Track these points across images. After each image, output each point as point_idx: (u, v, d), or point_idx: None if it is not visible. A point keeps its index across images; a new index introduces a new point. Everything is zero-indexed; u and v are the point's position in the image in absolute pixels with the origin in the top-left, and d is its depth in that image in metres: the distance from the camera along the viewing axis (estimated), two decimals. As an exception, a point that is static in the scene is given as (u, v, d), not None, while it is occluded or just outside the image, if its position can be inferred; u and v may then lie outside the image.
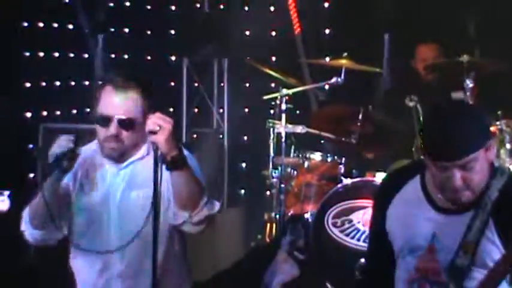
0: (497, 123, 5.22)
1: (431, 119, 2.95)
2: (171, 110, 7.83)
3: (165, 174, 3.33)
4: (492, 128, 4.94)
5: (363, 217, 5.44)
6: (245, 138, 8.21)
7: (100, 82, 3.58)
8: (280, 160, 6.01)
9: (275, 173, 6.04)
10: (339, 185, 5.64)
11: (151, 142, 3.31)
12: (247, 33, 8.25)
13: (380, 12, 7.62)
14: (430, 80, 6.53)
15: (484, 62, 5.87)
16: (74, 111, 7.59)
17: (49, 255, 3.70)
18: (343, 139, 6.02)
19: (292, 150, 6.10)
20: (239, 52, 7.96)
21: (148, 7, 8.13)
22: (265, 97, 6.37)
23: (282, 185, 5.95)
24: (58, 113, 7.51)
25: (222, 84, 8.23)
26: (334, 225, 5.47)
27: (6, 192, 3.66)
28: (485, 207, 2.90)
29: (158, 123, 3.26)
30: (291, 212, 5.93)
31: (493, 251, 2.91)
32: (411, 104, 5.80)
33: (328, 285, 5.39)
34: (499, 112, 5.29)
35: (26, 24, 7.51)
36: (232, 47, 8.15)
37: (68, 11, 7.69)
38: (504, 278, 2.84)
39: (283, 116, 6.04)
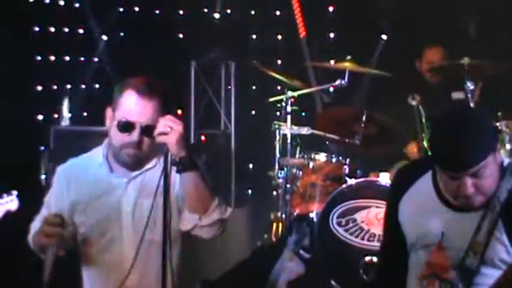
0: (497, 124, 5.21)
1: (440, 130, 2.89)
2: (180, 112, 7.85)
3: (178, 181, 3.31)
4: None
5: (366, 216, 5.43)
6: (252, 139, 8.22)
7: (119, 85, 3.45)
8: (285, 161, 6.02)
9: (281, 173, 6.04)
10: (343, 185, 5.63)
11: (161, 143, 3.27)
12: (254, 37, 8.27)
13: (382, 16, 7.63)
14: (434, 82, 6.54)
15: (484, 64, 5.87)
16: (85, 114, 7.62)
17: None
18: (347, 140, 6.02)
19: (297, 151, 6.10)
20: (246, 55, 7.97)
21: (157, 11, 8.15)
22: (271, 99, 6.38)
23: (288, 186, 5.95)
24: (69, 115, 7.53)
25: (229, 87, 8.24)
26: (339, 224, 5.47)
27: (15, 192, 3.62)
28: (494, 209, 2.89)
29: (169, 125, 3.23)
30: (297, 211, 5.92)
31: (501, 250, 2.90)
32: (414, 102, 5.80)
33: (333, 283, 5.38)
34: (499, 113, 5.28)
35: (37, 29, 7.55)
36: (239, 50, 8.16)
37: (78, 16, 7.72)
38: None
39: (289, 117, 6.04)
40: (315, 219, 5.64)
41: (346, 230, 5.44)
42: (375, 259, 5.32)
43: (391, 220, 3.13)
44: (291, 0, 7.98)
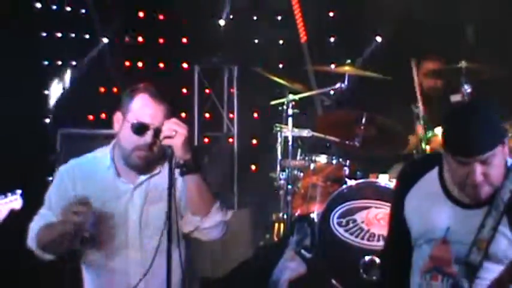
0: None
1: (453, 118, 2.95)
2: (183, 115, 7.86)
3: (180, 183, 3.31)
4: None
5: (366, 217, 5.42)
6: (254, 141, 8.22)
7: (129, 90, 3.47)
8: (287, 162, 6.01)
9: (282, 175, 6.04)
10: (344, 186, 5.63)
11: (166, 146, 3.27)
12: (256, 41, 8.27)
13: (382, 21, 7.63)
14: (431, 92, 6.55)
15: (482, 68, 5.86)
16: (91, 117, 7.63)
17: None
18: (347, 142, 6.02)
19: (298, 153, 6.10)
20: (248, 60, 7.98)
21: (162, 17, 8.16)
22: (273, 102, 6.38)
23: (289, 187, 5.95)
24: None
25: (232, 91, 8.24)
26: (339, 224, 5.46)
27: (19, 191, 3.62)
28: (497, 207, 2.91)
29: (174, 128, 3.24)
30: (298, 212, 5.92)
31: (505, 245, 2.92)
32: (416, 110, 5.84)
33: (334, 282, 5.38)
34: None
35: (44, 34, 7.57)
36: (241, 55, 8.17)
37: (84, 22, 7.74)
38: None
39: (290, 120, 6.05)
40: (315, 220, 5.63)
41: (347, 230, 5.44)
42: (374, 259, 5.32)
43: (397, 215, 3.14)
44: (292, 6, 7.98)
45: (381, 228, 5.35)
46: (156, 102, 3.35)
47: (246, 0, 7.97)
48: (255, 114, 8.21)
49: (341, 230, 5.45)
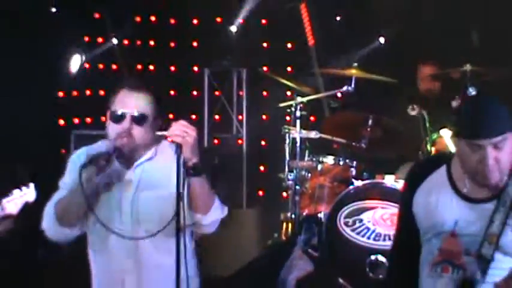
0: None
1: (467, 106, 3.07)
2: (194, 117, 7.87)
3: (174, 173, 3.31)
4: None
5: (372, 217, 5.42)
6: (262, 143, 8.22)
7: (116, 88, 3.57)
8: (295, 163, 6.01)
9: (290, 175, 6.04)
10: (350, 187, 5.63)
11: (175, 147, 3.27)
12: (265, 45, 8.27)
13: (387, 24, 7.64)
14: (429, 94, 6.56)
15: (486, 71, 5.85)
16: (103, 119, 7.64)
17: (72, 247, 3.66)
18: (354, 143, 6.02)
19: (306, 154, 6.10)
20: (257, 63, 7.98)
21: (172, 21, 8.17)
22: (281, 105, 6.38)
23: (297, 187, 5.95)
24: (88, 120, 7.57)
25: (241, 93, 8.24)
26: (346, 224, 5.46)
27: (32, 185, 3.65)
28: (505, 203, 2.97)
29: (183, 130, 3.24)
30: (306, 212, 5.92)
31: None
32: (413, 113, 5.84)
33: (340, 280, 5.37)
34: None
35: (59, 37, 7.58)
36: (250, 58, 8.17)
37: (98, 26, 7.76)
38: None
39: (298, 122, 6.04)
40: (323, 219, 5.63)
41: (353, 230, 5.43)
42: (380, 258, 5.32)
43: (405, 213, 3.18)
44: (300, 10, 7.99)
45: (387, 228, 5.35)
46: (133, 91, 3.44)
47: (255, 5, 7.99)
48: (264, 116, 8.22)
49: (348, 229, 5.44)
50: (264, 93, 8.20)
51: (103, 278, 3.54)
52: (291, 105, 6.16)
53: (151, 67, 8.11)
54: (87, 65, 7.73)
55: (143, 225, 3.42)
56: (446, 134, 5.59)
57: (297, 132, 6.00)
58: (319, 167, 5.97)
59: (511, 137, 2.95)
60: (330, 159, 5.98)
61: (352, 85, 6.08)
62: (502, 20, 6.95)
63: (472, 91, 5.61)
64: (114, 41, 7.81)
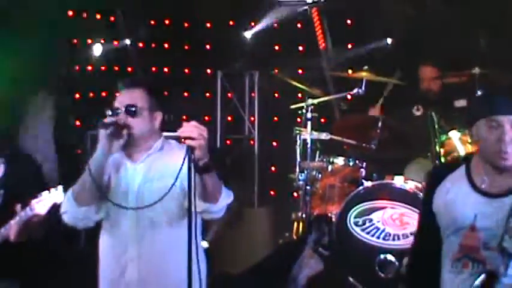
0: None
1: (484, 90, 3.36)
2: (206, 118, 7.89)
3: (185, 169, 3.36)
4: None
5: (382, 217, 5.42)
6: (274, 144, 8.22)
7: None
8: (306, 164, 6.01)
9: (301, 176, 6.04)
10: (360, 187, 5.62)
11: (186, 148, 3.29)
12: (276, 48, 8.27)
13: (395, 30, 7.63)
14: (429, 95, 6.58)
15: (494, 74, 5.84)
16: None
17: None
18: (363, 145, 6.01)
19: (317, 155, 6.10)
20: (269, 65, 7.99)
21: (186, 25, 8.19)
22: (293, 106, 6.38)
23: (308, 187, 5.95)
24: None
25: (253, 95, 8.25)
26: (356, 224, 5.46)
27: (60, 187, 3.74)
28: None
29: (194, 130, 3.26)
30: (316, 212, 5.92)
31: None
32: (418, 113, 5.84)
33: (350, 279, 5.37)
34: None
35: (75, 41, 7.62)
36: (262, 61, 8.18)
37: (113, 29, 7.79)
38: None
39: (309, 123, 6.04)
40: (333, 219, 5.63)
41: (363, 230, 5.43)
42: (389, 257, 5.31)
43: (426, 211, 3.23)
44: (311, 14, 7.99)
45: (396, 228, 5.35)
46: (126, 89, 3.66)
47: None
48: (275, 118, 8.22)
49: (357, 229, 5.44)
50: (276, 95, 8.21)
51: (108, 263, 3.62)
52: (302, 107, 6.16)
53: (165, 69, 8.14)
54: (103, 67, 7.77)
55: (147, 215, 3.52)
56: (455, 136, 5.58)
57: (307, 134, 6.00)
58: (330, 167, 5.97)
59: None
60: (340, 160, 5.98)
61: (363, 87, 6.08)
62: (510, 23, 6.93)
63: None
64: (127, 41, 7.84)
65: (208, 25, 8.22)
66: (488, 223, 3.02)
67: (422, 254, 3.28)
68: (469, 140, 5.45)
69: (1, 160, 4.40)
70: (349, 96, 6.67)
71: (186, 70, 8.21)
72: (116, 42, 7.88)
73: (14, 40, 6.38)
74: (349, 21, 8.00)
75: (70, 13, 7.48)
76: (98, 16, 7.74)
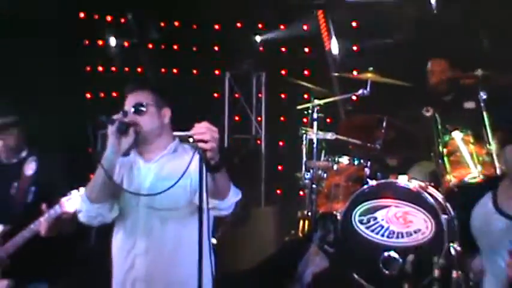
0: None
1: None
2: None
3: (193, 166, 3.40)
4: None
5: (386, 215, 5.42)
6: (280, 143, 8.24)
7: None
8: (312, 163, 6.03)
9: (307, 175, 6.06)
10: (365, 186, 5.62)
11: (198, 147, 3.32)
12: (283, 49, 8.30)
13: (400, 31, 7.63)
14: (441, 91, 6.54)
15: (497, 75, 5.83)
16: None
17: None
18: (368, 145, 6.03)
19: (322, 155, 6.12)
20: (275, 66, 8.01)
21: (195, 26, 8.22)
22: (299, 107, 6.40)
23: (314, 186, 5.97)
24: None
25: (260, 95, 8.28)
26: (361, 222, 5.47)
27: (82, 189, 3.79)
28: None
29: (206, 133, 3.28)
30: (322, 210, 5.93)
31: None
32: (428, 114, 5.81)
33: (355, 276, 5.39)
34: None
35: (87, 42, 7.66)
36: (269, 62, 8.20)
37: (124, 30, 7.82)
38: None
39: (315, 124, 6.07)
40: (338, 217, 5.63)
41: (368, 228, 5.44)
42: (393, 254, 5.33)
43: (465, 232, 3.53)
44: (317, 16, 8.01)
45: (400, 226, 5.35)
46: (131, 92, 3.74)
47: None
48: (282, 118, 8.24)
49: (362, 227, 5.45)
50: (282, 95, 8.23)
51: (118, 259, 3.68)
52: (308, 107, 6.18)
53: (174, 70, 8.17)
54: (113, 68, 7.80)
55: (157, 212, 3.58)
56: (458, 136, 5.58)
57: (313, 134, 6.02)
58: (335, 166, 5.98)
59: None
60: (345, 160, 5.99)
61: (368, 88, 6.10)
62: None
63: (483, 95, 5.59)
64: (135, 41, 7.88)
65: (216, 27, 8.25)
66: None
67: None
68: (471, 140, 5.47)
69: (33, 158, 4.44)
70: (354, 97, 6.68)
71: (195, 71, 8.24)
72: (126, 44, 7.91)
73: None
74: (354, 24, 8.02)
75: (81, 15, 7.53)
76: (109, 18, 7.77)
